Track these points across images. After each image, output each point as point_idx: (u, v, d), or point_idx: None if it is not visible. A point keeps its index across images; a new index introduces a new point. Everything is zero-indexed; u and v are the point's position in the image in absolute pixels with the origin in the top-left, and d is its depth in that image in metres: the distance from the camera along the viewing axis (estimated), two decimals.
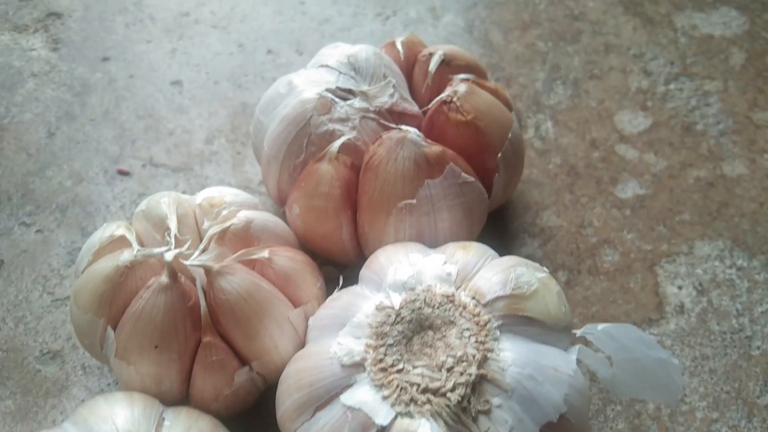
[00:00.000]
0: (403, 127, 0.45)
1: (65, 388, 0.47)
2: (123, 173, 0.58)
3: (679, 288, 0.51)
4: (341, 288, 0.43)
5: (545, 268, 0.40)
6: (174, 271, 0.39)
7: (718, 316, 0.50)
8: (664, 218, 0.55)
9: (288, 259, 0.43)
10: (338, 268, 0.50)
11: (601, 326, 0.35)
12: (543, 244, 0.53)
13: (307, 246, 0.48)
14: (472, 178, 0.45)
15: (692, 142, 0.60)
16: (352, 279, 0.45)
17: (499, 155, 0.47)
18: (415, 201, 0.43)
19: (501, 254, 0.43)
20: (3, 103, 0.63)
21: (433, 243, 0.44)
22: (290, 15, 0.70)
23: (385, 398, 0.34)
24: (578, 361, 0.37)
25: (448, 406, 0.33)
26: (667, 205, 0.56)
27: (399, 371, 0.35)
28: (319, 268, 0.46)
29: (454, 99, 0.46)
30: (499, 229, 0.54)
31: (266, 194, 0.56)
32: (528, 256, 0.53)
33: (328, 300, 0.41)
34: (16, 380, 0.48)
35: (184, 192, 0.57)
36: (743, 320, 0.49)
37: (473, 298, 0.37)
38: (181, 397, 0.41)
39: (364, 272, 0.42)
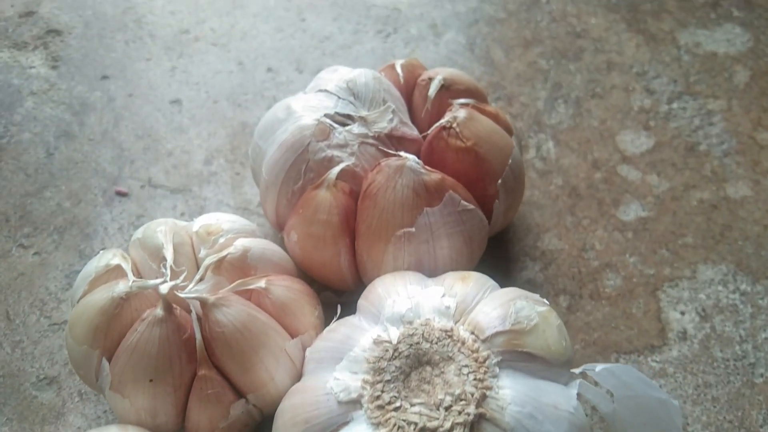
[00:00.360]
0: (402, 153, 0.44)
1: (62, 414, 0.47)
2: (121, 194, 0.58)
3: (682, 313, 0.50)
4: (339, 316, 0.42)
5: (545, 301, 0.39)
6: (169, 304, 0.38)
7: (721, 342, 0.49)
8: (666, 241, 0.54)
9: (285, 288, 0.42)
10: (336, 293, 0.50)
11: (599, 366, 0.35)
12: (544, 268, 0.53)
13: (305, 272, 0.48)
14: (471, 206, 0.44)
15: (695, 162, 0.59)
16: (350, 304, 0.45)
17: (500, 181, 0.46)
18: (414, 229, 0.43)
19: (501, 279, 0.43)
20: (2, 122, 0.63)
21: (432, 271, 0.44)
22: (290, 32, 0.70)
23: None
24: (579, 395, 0.36)
25: None
26: (669, 227, 0.55)
27: (396, 409, 0.34)
28: (318, 294, 0.46)
29: (454, 125, 0.45)
30: (500, 252, 0.54)
31: (265, 216, 0.55)
32: (529, 281, 0.52)
33: (325, 331, 0.41)
34: (13, 406, 0.47)
35: (182, 214, 0.56)
36: (746, 347, 0.49)
37: (472, 333, 0.36)
38: (176, 430, 0.41)
39: (361, 303, 0.41)
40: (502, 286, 0.42)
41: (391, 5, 0.73)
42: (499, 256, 0.53)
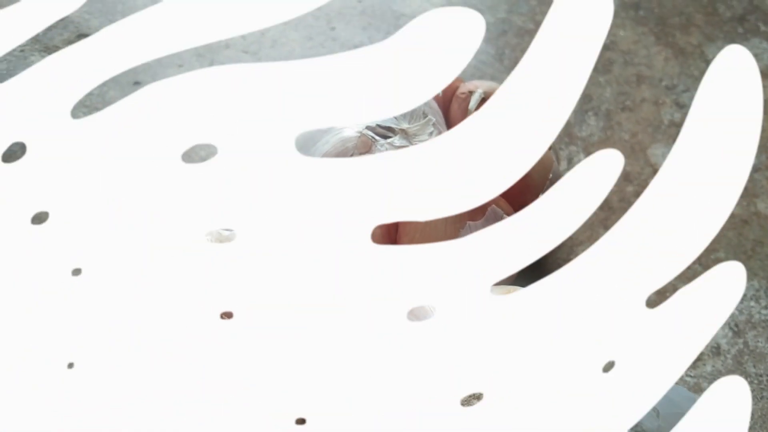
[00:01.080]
0: None
1: None
2: None
3: None
4: None
5: None
6: None
7: (754, 358, 0.50)
8: (699, 257, 0.54)
9: None
10: None
11: None
12: None
13: None
14: None
15: None
16: None
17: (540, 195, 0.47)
18: None
19: None
20: None
21: None
22: (320, 41, 0.71)
23: None
24: None
25: None
26: None
27: None
28: None
29: None
30: (533, 265, 0.54)
31: None
32: None
33: None
34: None
35: None
36: None
37: None
38: None
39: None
40: None
41: (419, 15, 0.73)
42: (532, 269, 0.53)
